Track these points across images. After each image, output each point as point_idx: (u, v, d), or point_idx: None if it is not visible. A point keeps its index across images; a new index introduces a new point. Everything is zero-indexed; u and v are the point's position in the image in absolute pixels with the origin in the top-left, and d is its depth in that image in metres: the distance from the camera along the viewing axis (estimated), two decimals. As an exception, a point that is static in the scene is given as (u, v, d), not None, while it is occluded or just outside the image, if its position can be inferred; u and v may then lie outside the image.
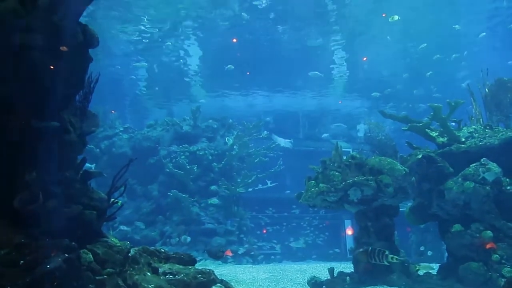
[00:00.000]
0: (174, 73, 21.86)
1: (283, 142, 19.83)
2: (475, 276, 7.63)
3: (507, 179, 8.18)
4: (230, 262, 14.51)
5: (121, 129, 18.91)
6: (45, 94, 4.99)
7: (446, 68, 20.36)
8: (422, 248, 8.80)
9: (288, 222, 18.80)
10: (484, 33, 17.09)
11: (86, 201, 5.30)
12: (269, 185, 18.30)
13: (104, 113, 19.59)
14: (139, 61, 20.40)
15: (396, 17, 14.62)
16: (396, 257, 5.43)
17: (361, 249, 5.46)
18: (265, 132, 19.85)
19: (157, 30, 17.48)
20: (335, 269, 9.23)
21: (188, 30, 17.89)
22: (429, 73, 18.71)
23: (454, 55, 18.40)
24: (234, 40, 18.06)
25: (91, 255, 4.70)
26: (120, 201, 6.28)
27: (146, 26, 17.31)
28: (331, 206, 9.05)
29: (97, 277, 4.56)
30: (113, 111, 20.65)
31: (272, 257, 16.60)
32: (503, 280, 6.90)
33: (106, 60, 19.08)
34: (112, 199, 5.92)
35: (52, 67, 5.12)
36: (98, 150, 17.77)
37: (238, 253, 15.09)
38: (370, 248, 5.36)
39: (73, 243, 4.48)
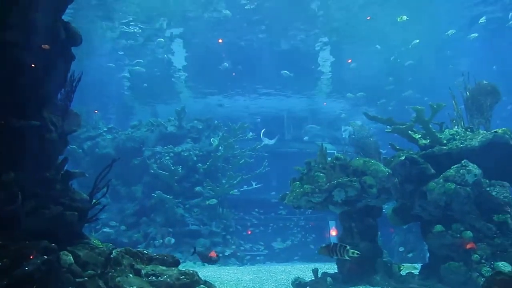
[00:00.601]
0: (159, 74, 21.69)
1: (267, 140, 19.95)
2: (455, 276, 7.76)
3: (487, 181, 8.36)
4: (213, 264, 14.42)
5: (105, 129, 18.64)
6: (25, 92, 4.88)
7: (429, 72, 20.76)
8: (401, 249, 8.84)
9: (273, 223, 18.83)
10: (476, 34, 17.23)
11: (67, 202, 5.20)
12: (254, 186, 18.30)
13: (87, 113, 19.31)
14: (123, 60, 20.18)
15: (404, 17, 14.60)
16: (356, 251, 5.54)
17: (323, 245, 5.59)
18: (251, 133, 19.83)
19: (142, 30, 17.32)
20: (320, 270, 9.27)
21: (173, 30, 17.79)
22: (409, 62, 18.65)
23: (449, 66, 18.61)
24: (220, 41, 18.03)
25: (71, 257, 4.61)
26: (102, 202, 6.20)
27: (131, 25, 17.14)
28: (316, 207, 9.09)
29: (78, 279, 4.47)
30: (96, 111, 20.35)
31: (258, 258, 16.60)
32: (482, 279, 7.04)
33: (89, 59, 18.81)
34: (94, 200, 5.84)
35: (32, 65, 5.02)
36: (80, 150, 17.49)
37: (223, 255, 15.03)
38: (332, 243, 5.50)
39: (53, 244, 4.38)
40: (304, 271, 11.83)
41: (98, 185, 5.81)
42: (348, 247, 5.54)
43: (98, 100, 23.24)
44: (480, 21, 16.52)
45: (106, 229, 15.30)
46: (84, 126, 17.87)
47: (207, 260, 9.36)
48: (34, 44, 4.96)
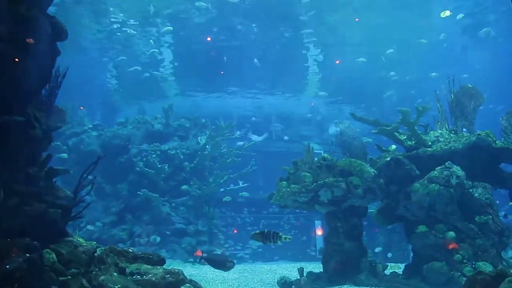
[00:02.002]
0: (146, 71, 21.50)
1: (255, 137, 20.00)
2: (438, 275, 7.89)
3: (470, 182, 8.52)
4: (199, 262, 14.40)
5: (90, 126, 18.38)
6: (8, 87, 4.79)
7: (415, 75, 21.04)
8: (377, 250, 8.75)
9: (260, 222, 18.85)
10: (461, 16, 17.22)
11: (50, 199, 5.12)
12: (241, 185, 18.28)
13: (72, 109, 19.02)
14: (110, 56, 19.92)
15: (448, 13, 14.66)
16: (288, 237, 5.58)
17: (257, 231, 5.61)
18: (238, 132, 19.81)
19: (129, 25, 17.15)
20: (305, 269, 9.32)
21: (161, 27, 17.66)
22: (390, 50, 18.75)
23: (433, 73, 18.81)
24: (208, 39, 17.96)
25: (54, 255, 4.54)
26: (87, 200, 6.12)
27: (118, 20, 16.95)
28: (302, 206, 9.15)
29: (61, 278, 4.41)
30: (81, 107, 20.05)
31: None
32: (464, 279, 7.17)
33: (75, 54, 18.54)
34: (79, 198, 5.76)
35: (16, 59, 4.93)
36: (65, 147, 17.20)
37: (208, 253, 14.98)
38: (265, 230, 5.54)
39: (35, 242, 4.32)
40: (290, 270, 11.88)
41: (83, 182, 5.74)
42: (280, 233, 5.57)
43: (84, 96, 22.92)
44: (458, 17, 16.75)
45: (90, 227, 15.10)
46: (69, 122, 17.62)
47: (220, 266, 8.12)
48: (19, 38, 4.86)
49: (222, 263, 7.93)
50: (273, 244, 5.65)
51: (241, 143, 18.64)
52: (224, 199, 16.63)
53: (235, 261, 14.37)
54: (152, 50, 18.81)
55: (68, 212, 5.49)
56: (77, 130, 17.97)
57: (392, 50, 17.82)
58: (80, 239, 5.52)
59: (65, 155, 16.14)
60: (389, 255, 10.21)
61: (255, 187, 19.47)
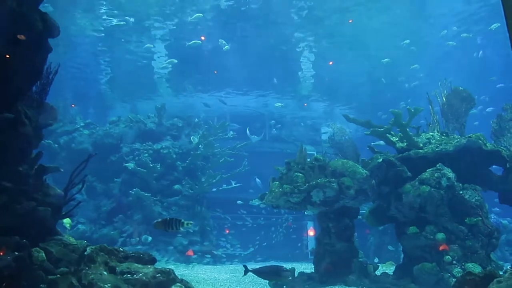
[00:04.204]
0: (140, 69, 21.38)
1: (254, 137, 20.01)
2: (428, 276, 7.95)
3: (460, 184, 8.59)
4: (192, 263, 14.36)
5: (82, 124, 18.23)
6: (-2, 83, 4.73)
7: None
8: (361, 259, 8.61)
9: (253, 223, 18.85)
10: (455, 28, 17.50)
11: (40, 197, 5.07)
12: (233, 185, 18.26)
13: (64, 107, 18.87)
14: (102, 53, 19.77)
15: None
16: (190, 222, 5.56)
17: (159, 219, 5.57)
18: (231, 132, 19.78)
19: (124, 23, 17.03)
20: (296, 270, 9.32)
21: (155, 25, 17.58)
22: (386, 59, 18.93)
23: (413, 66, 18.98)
24: (202, 38, 17.91)
25: (43, 254, 4.49)
26: (77, 198, 6.07)
27: (112, 18, 16.82)
28: (294, 207, 9.15)
29: (50, 277, 4.37)
30: (73, 105, 19.89)
31: (229, 256, 16.55)
32: (453, 279, 7.23)
33: (67, 51, 18.39)
34: (69, 196, 5.71)
35: (7, 55, 4.87)
36: (56, 145, 17.05)
37: (200, 253, 14.95)
38: (168, 218, 5.52)
39: (24, 240, 4.27)
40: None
41: (74, 180, 5.69)
42: (183, 220, 5.54)
43: (76, 94, 22.74)
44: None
45: (81, 226, 14.98)
46: (61, 120, 17.47)
47: (275, 277, 7.59)
48: (10, 34, 4.81)
49: (276, 273, 7.50)
50: (176, 231, 5.59)
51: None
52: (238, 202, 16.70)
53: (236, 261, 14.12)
54: (147, 45, 18.66)
55: (58, 211, 5.44)
56: (68, 128, 17.83)
57: (387, 59, 17.98)
58: (70, 238, 5.47)
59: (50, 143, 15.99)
60: (376, 260, 10.16)
61: (249, 187, 19.48)
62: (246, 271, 8.58)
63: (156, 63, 20.94)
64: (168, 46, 19.25)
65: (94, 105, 26.46)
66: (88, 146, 17.29)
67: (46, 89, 5.72)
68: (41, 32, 5.28)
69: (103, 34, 18.10)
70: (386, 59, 17.89)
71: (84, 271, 4.67)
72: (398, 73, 20.69)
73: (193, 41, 17.15)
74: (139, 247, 14.18)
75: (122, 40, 18.53)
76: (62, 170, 5.90)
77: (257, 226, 18.94)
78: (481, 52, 19.10)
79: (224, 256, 16.24)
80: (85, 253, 4.87)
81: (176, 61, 18.60)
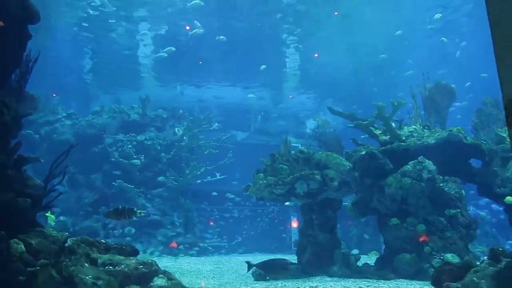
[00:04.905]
0: (124, 59, 21.03)
1: (240, 134, 19.99)
2: (408, 267, 8.12)
3: (441, 177, 8.76)
4: (176, 254, 14.34)
5: (64, 114, 17.89)
6: (-26, 70, 4.59)
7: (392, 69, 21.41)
8: (343, 250, 8.70)
9: (235, 215, 18.89)
10: (440, 15, 17.45)
11: (19, 188, 4.96)
12: (218, 177, 18.24)
13: (45, 96, 18.45)
14: (85, 42, 19.33)
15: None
16: (143, 211, 5.58)
17: (111, 209, 5.53)
18: (216, 124, 19.71)
19: (107, 10, 16.67)
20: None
21: (140, 15, 17.28)
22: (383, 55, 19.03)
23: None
24: (187, 28, 17.69)
25: (22, 245, 4.41)
26: (58, 190, 5.96)
27: (96, 5, 16.45)
28: (278, 198, 9.21)
29: (29, 269, 4.29)
30: (54, 95, 19.46)
31: (213, 248, 16.57)
32: (432, 270, 7.40)
33: (48, 39, 17.94)
34: (50, 187, 5.60)
35: (-16, 42, 4.72)
36: (37, 136, 16.70)
37: (184, 245, 14.94)
38: (120, 207, 5.49)
39: (2, 232, 4.18)
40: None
41: (54, 171, 5.59)
42: (135, 209, 5.52)
43: (57, 84, 22.24)
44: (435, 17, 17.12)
45: (63, 218, 14.77)
46: (42, 110, 17.10)
47: (281, 270, 7.80)
48: (-14, 19, 4.66)
49: (283, 267, 7.80)
50: (128, 219, 5.56)
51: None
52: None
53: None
54: (130, 39, 18.34)
55: (38, 202, 5.34)
56: (50, 119, 17.46)
57: (384, 56, 18.10)
58: (51, 229, 5.38)
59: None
60: (355, 251, 10.24)
61: (234, 179, 19.48)
62: (250, 266, 8.63)
63: (141, 53, 20.63)
64: (154, 37, 18.98)
65: (76, 95, 25.96)
66: (70, 136, 16.98)
67: (25, 77, 5.57)
68: (21, 18, 5.14)
69: (86, 22, 17.70)
70: (383, 55, 18.03)
71: (64, 263, 4.60)
72: (387, 66, 20.84)
73: (195, 30, 16.77)
74: (128, 238, 14.08)
75: (106, 27, 18.15)
76: (42, 161, 5.79)
77: (242, 217, 19.01)
78: (458, 52, 19.44)
79: (209, 248, 16.27)
80: (66, 244, 4.80)
81: (174, 49, 17.98)
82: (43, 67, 5.82)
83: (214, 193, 17.86)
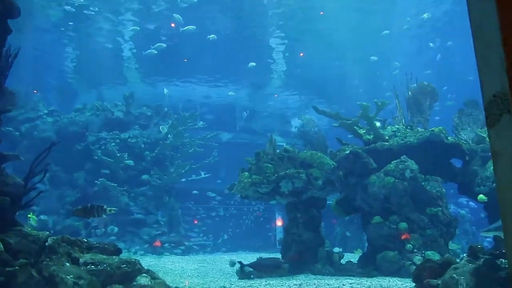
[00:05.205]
0: (107, 55, 20.72)
1: (226, 135, 19.94)
2: (390, 264, 8.24)
3: (423, 176, 8.92)
4: (159, 253, 14.24)
5: (45, 111, 17.53)
6: (-49, 65, 4.45)
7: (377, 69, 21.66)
8: (327, 248, 8.78)
9: (219, 213, 18.86)
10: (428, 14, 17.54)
11: (-3, 186, 4.84)
12: (202, 175, 18.16)
13: (26, 93, 18.05)
14: (67, 37, 18.97)
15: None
16: (114, 208, 5.48)
17: (79, 206, 5.38)
18: (201, 122, 19.61)
19: (90, 5, 16.40)
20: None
21: (124, 11, 17.06)
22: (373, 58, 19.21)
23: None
24: (172, 25, 17.54)
25: (1, 245, 4.30)
26: (39, 188, 5.84)
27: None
28: (263, 197, 9.22)
29: (7, 269, 4.19)
30: (35, 91, 19.05)
31: (197, 247, 16.52)
32: (414, 267, 7.52)
33: (29, 33, 17.54)
34: (30, 186, 5.48)
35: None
36: (17, 133, 16.32)
37: (168, 244, 14.83)
38: (89, 205, 5.32)
39: (-20, 231, 4.07)
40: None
41: (35, 169, 5.47)
42: (105, 206, 5.42)
43: (39, 80, 21.79)
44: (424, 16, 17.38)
45: (43, 217, 14.49)
46: (23, 107, 16.73)
47: (272, 270, 8.06)
48: (-36, 12, 4.53)
49: (276, 266, 7.88)
50: (97, 217, 5.44)
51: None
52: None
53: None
54: (114, 35, 18.06)
55: (17, 200, 5.22)
56: (31, 116, 17.10)
57: (375, 58, 18.29)
58: (30, 229, 5.27)
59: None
60: (336, 249, 10.27)
61: (218, 178, 19.43)
62: (242, 266, 8.62)
63: (125, 49, 20.37)
64: (138, 33, 18.74)
65: (58, 92, 25.46)
66: (51, 134, 16.66)
67: (4, 73, 5.43)
68: (0, 12, 5.01)
69: (69, 16, 17.35)
70: (373, 57, 18.23)
71: (45, 262, 4.51)
72: (373, 68, 21.06)
73: (187, 27, 16.54)
74: (113, 237, 13.89)
75: (89, 23, 17.86)
76: (22, 158, 5.66)
77: (228, 216, 18.98)
78: (439, 55, 19.82)
79: (194, 246, 16.20)
80: (47, 244, 4.70)
81: (165, 46, 17.52)
82: (23, 62, 5.68)
83: (195, 192, 17.63)
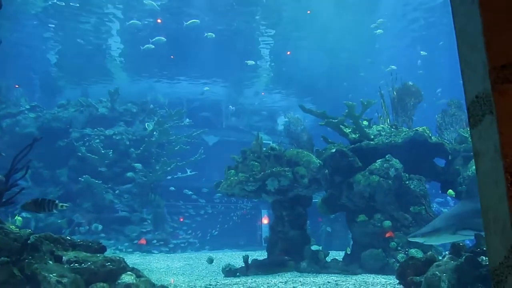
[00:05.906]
0: (92, 51, 20.40)
1: (212, 138, 19.85)
2: (374, 262, 8.34)
3: (407, 174, 9.04)
4: (144, 251, 14.13)
5: (28, 107, 17.19)
6: None
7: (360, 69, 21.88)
8: (313, 246, 8.90)
9: (206, 211, 18.79)
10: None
11: (-23, 183, 4.73)
12: (188, 173, 18.07)
13: (7, 88, 17.69)
14: (51, 31, 18.58)
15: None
16: (65, 204, 5.38)
17: (29, 200, 5.25)
18: (187, 119, 19.50)
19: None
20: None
21: (110, 6, 16.82)
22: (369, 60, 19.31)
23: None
24: (159, 21, 17.37)
25: (-19, 243, 4.22)
26: (21, 185, 5.73)
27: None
28: (249, 195, 9.24)
29: (-12, 267, 4.11)
30: (17, 86, 18.66)
31: (183, 245, 16.44)
32: (397, 264, 7.64)
33: (11, 26, 17.15)
34: (11, 182, 5.38)
35: None
36: (-2, 129, 16.00)
37: (153, 242, 14.73)
38: (39, 199, 5.10)
39: (-40, 229, 3.98)
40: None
41: (16, 166, 5.36)
42: (57, 201, 5.32)
43: (21, 74, 21.34)
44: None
45: (25, 214, 14.20)
46: (3, 102, 16.39)
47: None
48: None
49: (282, 264, 8.02)
50: (48, 212, 5.29)
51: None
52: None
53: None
54: (100, 30, 17.77)
55: (-2, 197, 5.12)
56: (12, 111, 16.77)
57: (370, 60, 18.44)
58: (12, 227, 5.17)
59: None
60: (315, 247, 10.28)
61: (204, 176, 19.36)
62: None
63: (111, 44, 20.09)
64: (123, 29, 18.51)
65: (41, 87, 24.98)
66: (33, 130, 16.36)
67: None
68: (-20, 4, 4.88)
69: (51, 7, 17.00)
70: (369, 59, 18.39)
71: (27, 260, 4.44)
72: (357, 66, 21.24)
73: (190, 21, 16.25)
74: (102, 235, 13.74)
75: (72, 17, 17.54)
76: (4, 154, 5.55)
77: (215, 214, 18.93)
78: (419, 61, 20.16)
79: (180, 244, 16.11)
80: (29, 241, 4.62)
81: (165, 39, 17.05)
82: (5, 56, 5.55)
83: (172, 188, 17.24)
